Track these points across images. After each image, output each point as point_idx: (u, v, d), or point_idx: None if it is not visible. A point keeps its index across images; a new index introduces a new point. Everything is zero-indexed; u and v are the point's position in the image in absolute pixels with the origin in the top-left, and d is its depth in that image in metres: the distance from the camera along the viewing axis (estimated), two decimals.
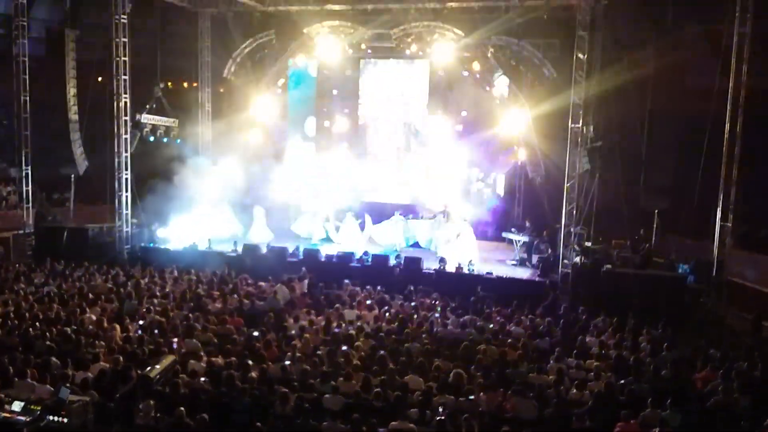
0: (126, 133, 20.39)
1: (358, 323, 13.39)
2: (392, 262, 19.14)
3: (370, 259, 19.13)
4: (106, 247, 20.85)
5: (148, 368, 9.67)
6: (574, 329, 13.88)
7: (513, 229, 21.40)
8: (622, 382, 10.53)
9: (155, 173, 22.52)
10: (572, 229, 17.91)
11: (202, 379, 10.04)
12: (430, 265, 19.00)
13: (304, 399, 9.17)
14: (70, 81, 22.52)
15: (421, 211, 22.98)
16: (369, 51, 23.22)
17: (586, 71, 17.79)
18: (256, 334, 12.40)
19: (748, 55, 16.87)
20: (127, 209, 20.60)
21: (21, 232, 21.89)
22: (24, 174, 22.06)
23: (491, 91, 22.78)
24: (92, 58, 23.79)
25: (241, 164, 22.55)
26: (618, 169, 19.42)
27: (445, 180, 23.18)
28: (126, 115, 20.38)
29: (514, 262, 20.48)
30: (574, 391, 10.33)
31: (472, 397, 9.72)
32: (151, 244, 21.15)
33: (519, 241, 20.82)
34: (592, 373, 10.91)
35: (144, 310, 13.79)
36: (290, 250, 19.84)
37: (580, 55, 17.54)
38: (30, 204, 22.30)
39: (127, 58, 20.05)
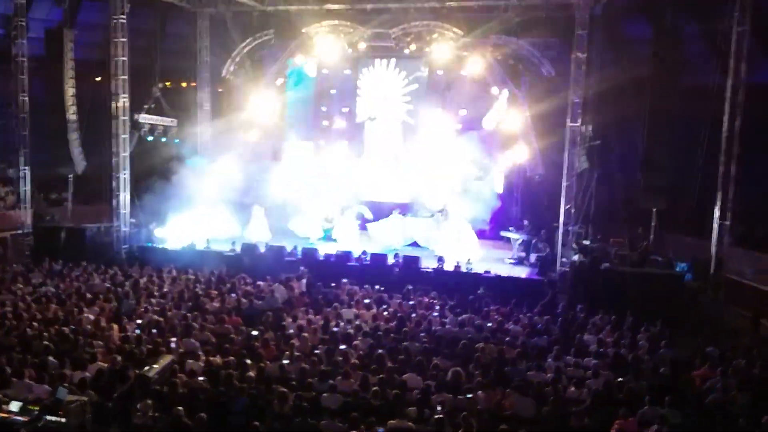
0: (124, 133, 20.37)
1: (357, 322, 13.40)
2: (390, 261, 19.12)
3: (368, 258, 19.12)
4: (104, 247, 20.83)
5: (146, 368, 9.66)
6: (572, 327, 13.90)
7: (511, 228, 21.40)
8: (621, 380, 10.53)
9: (153, 173, 22.52)
10: (570, 228, 17.92)
11: (201, 378, 10.04)
12: (428, 263, 19.00)
13: (302, 398, 9.17)
14: (69, 81, 22.48)
15: (419, 209, 22.94)
16: (368, 50, 23.19)
17: (584, 70, 17.80)
18: (255, 333, 12.39)
19: (746, 53, 16.87)
20: (125, 209, 20.58)
21: (19, 232, 21.86)
22: (22, 174, 22.04)
23: (490, 90, 22.77)
24: (91, 59, 23.83)
25: (239, 164, 22.54)
26: (616, 168, 19.46)
27: (444, 179, 23.16)
28: (124, 115, 20.36)
29: (512, 261, 20.48)
30: (573, 389, 10.34)
31: (470, 395, 9.74)
32: (149, 244, 21.14)
33: (517, 239, 20.81)
34: (591, 371, 10.92)
35: (142, 309, 13.80)
36: (288, 250, 19.83)
37: (579, 54, 17.55)
38: (28, 204, 22.28)
39: (125, 58, 20.04)
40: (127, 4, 19.83)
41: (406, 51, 22.15)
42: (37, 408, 8.15)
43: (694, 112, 18.91)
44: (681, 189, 19.24)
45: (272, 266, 18.35)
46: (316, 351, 11.54)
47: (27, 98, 21.83)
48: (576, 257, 18.36)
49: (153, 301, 14.54)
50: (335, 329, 12.88)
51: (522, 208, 23.54)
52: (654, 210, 19.52)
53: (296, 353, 11.25)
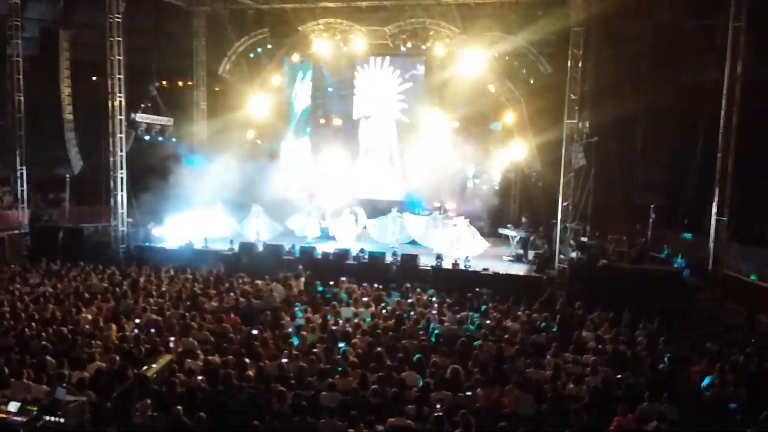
0: (121, 132, 20.35)
1: (355, 320, 13.39)
2: (389, 259, 19.12)
3: (366, 257, 19.11)
4: (101, 246, 20.82)
5: (145, 367, 9.64)
6: (570, 324, 13.88)
7: (509, 225, 21.41)
8: (619, 376, 10.54)
9: (151, 172, 22.49)
10: (568, 225, 17.93)
11: (199, 377, 10.02)
12: (426, 261, 19.00)
13: (301, 396, 9.16)
14: (65, 81, 22.46)
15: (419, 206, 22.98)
16: (364, 48, 23.18)
17: (581, 67, 17.80)
18: (255, 332, 12.38)
19: (743, 50, 16.90)
20: (122, 208, 20.56)
21: (16, 232, 21.82)
22: (19, 174, 22.01)
23: (487, 87, 22.78)
24: (87, 58, 23.77)
25: (236, 162, 22.52)
26: (613, 165, 19.47)
27: (441, 176, 23.17)
28: (121, 114, 20.33)
29: (510, 258, 20.48)
30: (571, 385, 10.33)
31: (469, 393, 9.73)
32: (147, 244, 21.12)
33: (515, 236, 20.83)
34: (589, 368, 10.91)
35: (140, 309, 13.76)
36: (286, 248, 19.82)
37: (576, 51, 17.54)
38: (25, 204, 22.26)
39: (121, 58, 20.01)
40: (123, 3, 19.81)
41: (403, 49, 22.15)
42: (35, 408, 8.13)
43: (691, 109, 18.97)
44: (678, 185, 19.29)
45: (270, 265, 18.33)
46: (315, 349, 11.52)
47: (23, 98, 21.80)
48: (574, 254, 18.38)
49: (151, 300, 14.50)
50: (334, 327, 12.86)
51: (520, 206, 23.58)
52: (651, 206, 19.55)
53: (295, 352, 11.24)
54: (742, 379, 10.43)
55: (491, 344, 12.01)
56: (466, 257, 18.71)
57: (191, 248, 20.19)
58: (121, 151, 20.39)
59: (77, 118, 22.78)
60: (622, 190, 19.39)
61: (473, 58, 21.64)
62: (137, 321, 13.10)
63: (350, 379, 10.01)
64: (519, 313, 14.42)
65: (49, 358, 10.36)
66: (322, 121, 25.23)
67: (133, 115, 21.77)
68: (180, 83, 27.09)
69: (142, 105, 22.55)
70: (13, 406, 8.16)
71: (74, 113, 22.69)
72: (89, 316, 13.04)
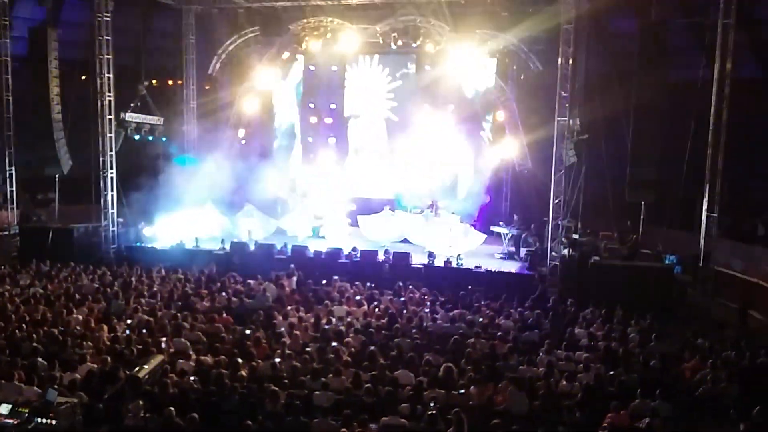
0: (110, 132, 20.23)
1: (348, 319, 13.38)
2: (381, 257, 19.11)
3: (358, 255, 19.09)
4: (92, 247, 20.71)
5: (137, 368, 9.59)
6: (563, 321, 13.94)
7: (501, 223, 21.43)
8: (612, 373, 10.60)
9: (141, 172, 22.37)
10: (560, 222, 17.95)
11: (192, 378, 9.98)
12: (418, 259, 19.00)
13: (294, 396, 9.14)
14: (53, 80, 22.30)
15: (408, 204, 22.96)
16: (355, 46, 23.12)
17: (572, 64, 17.82)
18: (248, 332, 12.34)
19: (732, 47, 16.97)
20: (112, 208, 20.46)
21: (6, 233, 21.68)
22: (8, 174, 21.85)
23: (478, 85, 22.81)
24: (75, 57, 23.62)
25: (227, 161, 22.44)
26: (604, 162, 19.51)
27: (433, 174, 23.19)
28: (110, 113, 20.21)
29: (502, 256, 20.52)
30: (564, 383, 10.36)
31: (462, 391, 9.74)
32: (138, 244, 21.03)
33: (507, 234, 20.85)
34: (582, 365, 10.94)
35: (132, 309, 13.70)
36: (278, 248, 19.78)
37: (566, 48, 17.56)
38: (14, 205, 22.10)
39: (110, 57, 19.89)
40: (111, 2, 19.68)
41: (393, 47, 22.11)
42: (26, 410, 8.06)
43: (680, 106, 19.03)
44: (668, 182, 19.34)
45: (262, 264, 18.29)
46: (308, 349, 11.50)
47: (11, 98, 21.63)
48: (566, 251, 18.41)
49: (142, 300, 14.44)
50: (326, 327, 12.84)
51: (511, 203, 23.62)
52: (642, 203, 19.61)
53: (288, 351, 11.21)
54: (735, 374, 10.47)
55: (484, 342, 12.04)
56: (458, 255, 18.73)
57: (182, 248, 20.12)
58: (111, 150, 20.28)
59: (66, 118, 22.63)
60: (613, 187, 19.42)
61: (464, 56, 21.62)
62: (128, 322, 13.04)
63: (343, 378, 9.99)
64: (511, 310, 14.44)
65: (40, 359, 10.30)
66: (314, 119, 25.17)
67: (122, 115, 21.63)
68: (170, 82, 26.97)
69: (132, 104, 22.41)
70: (4, 409, 8.09)
71: (63, 113, 22.54)
72: (80, 317, 12.98)
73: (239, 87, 24.47)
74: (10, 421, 7.95)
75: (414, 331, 12.79)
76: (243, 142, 24.95)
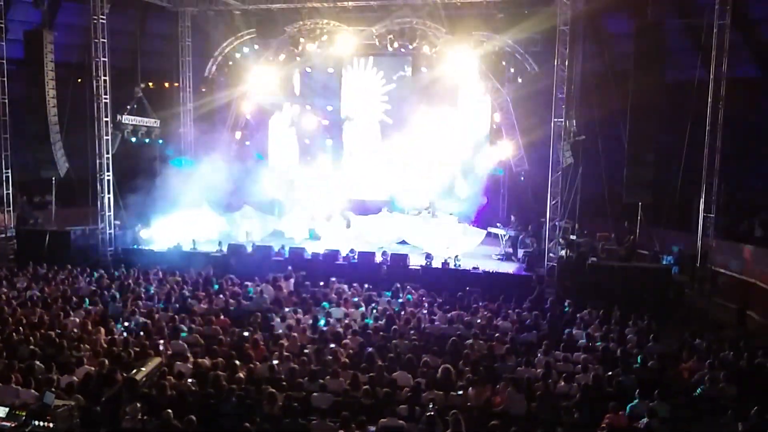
0: (107, 134, 20.18)
1: (346, 321, 13.36)
2: (378, 259, 19.10)
3: (356, 257, 19.08)
4: (89, 249, 20.68)
5: (134, 371, 9.56)
6: (560, 322, 13.94)
7: (498, 224, 21.45)
8: (610, 374, 10.61)
9: (137, 174, 22.32)
10: (557, 223, 17.97)
11: (189, 380, 9.96)
12: (416, 261, 18.99)
13: (292, 398, 9.12)
14: (49, 83, 22.22)
15: (405, 205, 22.97)
16: (351, 49, 23.13)
17: (568, 66, 17.85)
18: (246, 334, 12.32)
19: (728, 47, 17.00)
20: (109, 211, 20.41)
21: (2, 235, 21.61)
22: (4, 177, 21.78)
23: (474, 86, 22.82)
24: (71, 60, 23.56)
25: (224, 163, 22.43)
26: (601, 163, 19.53)
27: (429, 175, 23.19)
28: (107, 116, 20.17)
29: (499, 257, 20.54)
30: (562, 383, 10.36)
31: (460, 392, 9.73)
32: (135, 246, 20.99)
33: (504, 235, 20.86)
34: (580, 366, 10.94)
35: (129, 312, 13.67)
36: (275, 249, 19.76)
37: (562, 50, 17.58)
38: (11, 207, 22.03)
39: (106, 59, 19.85)
40: (107, 4, 19.66)
41: (389, 48, 22.10)
42: (23, 413, 8.03)
43: (677, 106, 19.04)
44: (665, 183, 19.35)
45: (260, 266, 18.26)
46: (306, 350, 11.49)
47: (7, 101, 21.57)
48: (563, 252, 18.43)
49: (140, 303, 14.42)
50: (324, 328, 12.83)
51: (508, 204, 23.64)
52: (639, 204, 19.62)
53: (285, 353, 11.20)
54: (733, 375, 10.48)
55: (482, 343, 12.04)
56: (456, 256, 18.73)
57: (180, 250, 20.08)
58: (108, 153, 20.24)
59: (62, 121, 22.53)
60: (610, 188, 19.43)
61: (460, 58, 21.64)
62: (126, 324, 13.02)
63: (341, 380, 9.98)
64: (509, 311, 14.43)
65: (37, 362, 10.28)
66: (311, 121, 25.16)
67: (119, 117, 21.61)
68: (166, 84, 26.97)
69: (128, 106, 22.39)
70: (1, 411, 8.06)
71: (59, 115, 22.45)
72: (77, 320, 12.96)
73: (235, 89, 24.48)
74: (7, 424, 7.92)
75: (412, 332, 12.79)
76: (240, 143, 24.92)
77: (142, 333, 12.31)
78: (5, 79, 21.53)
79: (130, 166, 22.78)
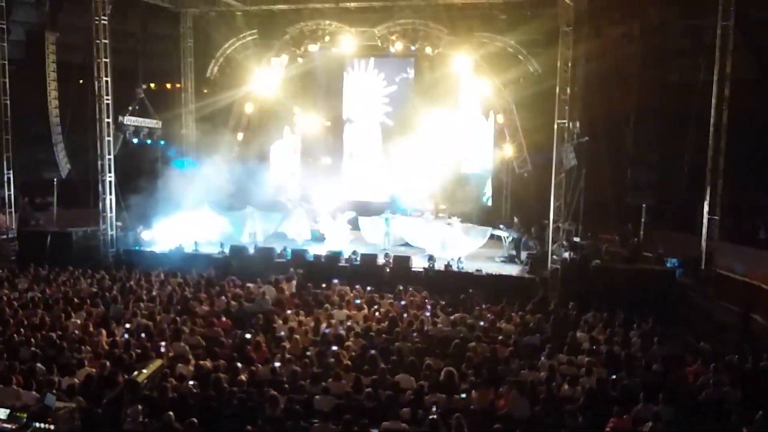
0: (109, 135, 20.15)
1: (348, 323, 13.31)
2: (381, 261, 19.04)
3: (358, 259, 19.02)
4: (90, 250, 20.62)
5: (135, 373, 9.53)
6: (564, 325, 13.85)
7: (501, 226, 21.38)
8: (614, 377, 10.53)
9: (139, 175, 22.30)
10: (560, 225, 17.89)
11: (191, 382, 9.91)
12: (419, 263, 18.94)
13: (294, 401, 9.07)
14: (51, 84, 22.27)
15: (408, 207, 22.91)
16: (353, 49, 23.10)
17: (571, 67, 17.79)
18: (247, 336, 12.27)
19: (731, 48, 16.95)
20: (111, 212, 20.37)
21: (4, 236, 21.60)
22: (6, 178, 21.80)
23: (476, 88, 22.78)
24: (73, 61, 23.58)
25: (226, 164, 22.39)
26: (605, 165, 19.48)
27: (432, 177, 23.14)
28: (108, 117, 20.13)
29: (503, 259, 20.45)
30: (566, 387, 10.29)
31: (464, 395, 9.66)
32: (137, 247, 20.95)
33: (507, 237, 20.80)
34: (584, 369, 10.86)
35: (130, 313, 13.63)
36: (278, 251, 19.71)
37: (565, 51, 17.53)
38: (12, 208, 22.03)
39: (108, 60, 19.82)
40: (109, 5, 19.63)
41: (392, 49, 22.08)
42: (25, 415, 8.01)
43: (680, 108, 19.00)
44: (668, 185, 19.31)
45: (262, 268, 18.21)
46: (308, 353, 11.44)
47: (9, 102, 21.59)
48: (566, 255, 18.35)
49: (141, 305, 14.37)
50: (327, 331, 12.77)
51: (511, 206, 23.56)
52: (643, 206, 19.57)
53: (288, 355, 11.14)
54: (737, 378, 10.41)
55: (485, 346, 11.97)
56: (459, 258, 18.67)
57: (181, 252, 20.04)
58: (109, 154, 20.20)
59: (64, 121, 22.60)
60: (614, 190, 19.39)
61: (462, 59, 21.58)
62: (127, 326, 12.97)
63: (344, 383, 9.93)
64: (512, 314, 14.36)
65: (38, 364, 10.24)
66: (313, 122, 25.14)
67: (120, 118, 21.62)
68: (168, 85, 26.98)
69: (130, 107, 22.40)
70: (2, 413, 8.04)
71: (61, 116, 22.51)
72: (79, 322, 12.91)
73: (237, 90, 24.45)
74: (9, 425, 7.91)
75: (415, 335, 12.73)
76: (242, 144, 24.90)
77: (143, 335, 12.27)
78: (7, 80, 21.55)
79: (131, 167, 22.77)
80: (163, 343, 11.71)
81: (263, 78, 24.12)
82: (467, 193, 23.04)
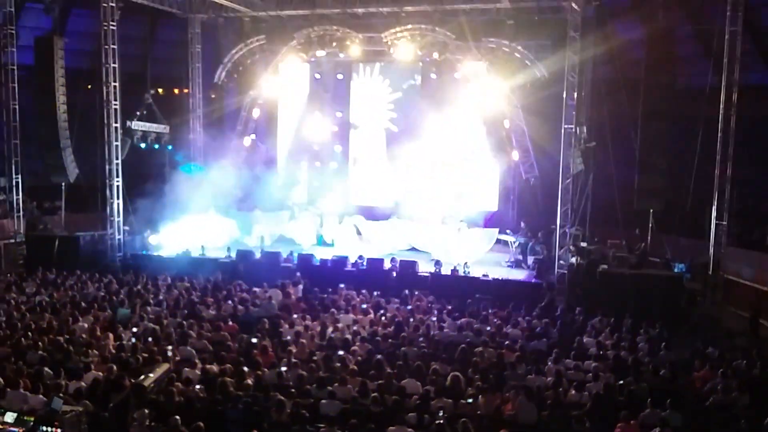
0: (116, 140, 20.24)
1: (354, 327, 13.30)
2: (387, 265, 19.02)
3: (365, 263, 19.02)
4: (98, 255, 20.70)
5: (142, 377, 9.55)
6: (571, 330, 13.83)
7: (508, 231, 21.35)
8: (621, 382, 10.49)
9: (147, 180, 22.37)
10: (567, 230, 17.86)
11: (197, 387, 9.92)
12: (425, 268, 18.91)
13: (300, 405, 9.07)
14: (60, 89, 22.33)
15: (415, 213, 22.89)
16: (360, 55, 23.12)
17: (578, 72, 17.78)
18: (254, 340, 12.28)
19: (739, 54, 16.91)
20: (118, 217, 20.45)
21: (12, 241, 21.71)
22: (14, 183, 21.92)
23: (483, 93, 22.76)
24: (82, 66, 23.69)
25: (233, 169, 22.44)
26: (612, 170, 19.42)
27: (439, 182, 23.13)
28: (116, 122, 20.23)
29: (509, 264, 20.44)
30: (573, 392, 10.26)
31: (470, 400, 9.64)
32: (144, 252, 21.01)
33: (514, 242, 20.76)
34: (591, 374, 10.83)
35: (137, 318, 13.66)
36: (284, 256, 19.73)
37: (573, 56, 17.52)
38: (20, 213, 22.14)
39: (116, 65, 19.92)
40: (117, 11, 19.74)
41: (398, 55, 22.09)
42: (32, 419, 8.02)
43: (688, 113, 18.94)
44: (676, 190, 19.24)
45: (268, 272, 18.23)
46: (314, 357, 11.43)
47: (17, 107, 21.73)
48: (573, 259, 18.31)
49: (148, 309, 14.41)
50: (333, 335, 12.77)
51: (518, 211, 23.50)
52: (651, 211, 19.51)
53: (294, 360, 11.14)
54: (745, 384, 10.35)
55: (492, 351, 11.94)
56: (465, 263, 18.64)
57: (188, 256, 20.08)
58: (117, 158, 20.29)
59: (72, 126, 22.65)
60: (621, 194, 19.31)
61: (469, 64, 21.59)
62: (134, 330, 12.99)
63: (350, 387, 9.92)
64: (519, 319, 14.33)
65: (45, 368, 10.27)
66: (319, 126, 25.16)
67: (128, 123, 21.71)
68: (176, 90, 27.08)
69: (138, 112, 22.49)
70: (9, 417, 8.05)
71: (69, 121, 22.57)
72: (86, 326, 12.95)
73: (245, 95, 24.53)
74: (16, 429, 7.91)
75: (421, 339, 12.71)
76: (249, 149, 24.95)
77: (150, 339, 12.29)
78: (16, 85, 21.73)
79: (139, 171, 22.83)
80: (169, 347, 11.72)
81: (271, 83, 24.17)
82: (473, 199, 23.01)
